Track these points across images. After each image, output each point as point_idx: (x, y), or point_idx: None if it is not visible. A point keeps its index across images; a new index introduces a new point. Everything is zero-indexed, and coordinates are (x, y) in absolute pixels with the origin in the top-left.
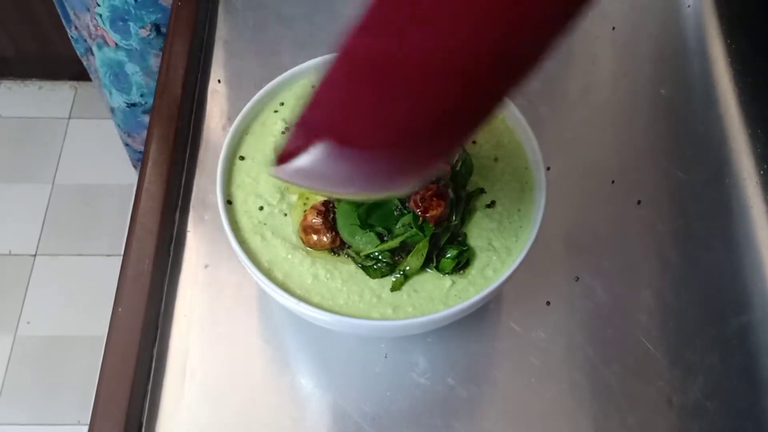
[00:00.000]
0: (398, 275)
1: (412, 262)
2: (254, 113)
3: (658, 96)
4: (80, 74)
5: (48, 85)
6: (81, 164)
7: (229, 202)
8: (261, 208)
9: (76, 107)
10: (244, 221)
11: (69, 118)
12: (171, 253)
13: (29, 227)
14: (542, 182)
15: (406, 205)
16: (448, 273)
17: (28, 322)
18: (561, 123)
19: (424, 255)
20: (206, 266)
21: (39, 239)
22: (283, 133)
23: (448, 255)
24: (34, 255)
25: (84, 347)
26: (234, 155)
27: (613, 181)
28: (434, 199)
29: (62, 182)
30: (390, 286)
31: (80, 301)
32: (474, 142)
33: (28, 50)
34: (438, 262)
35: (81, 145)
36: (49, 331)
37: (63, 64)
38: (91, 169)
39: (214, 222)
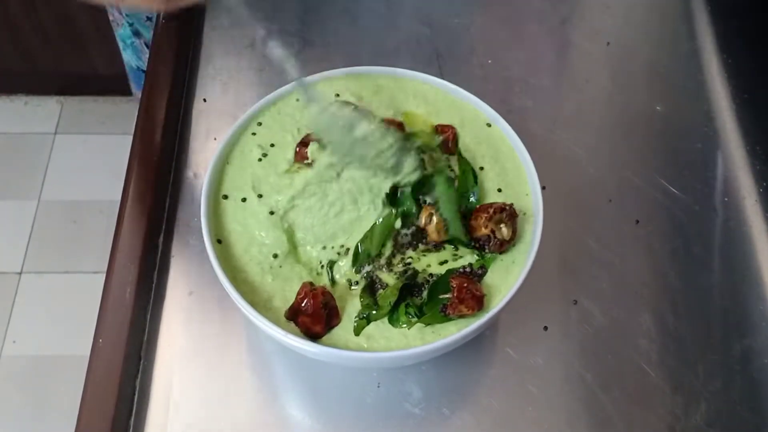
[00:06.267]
0: (362, 318)
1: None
2: (234, 140)
3: (654, 113)
4: (66, 88)
5: (34, 100)
6: (67, 180)
7: (219, 241)
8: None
9: (63, 122)
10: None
11: (55, 133)
12: (154, 280)
13: (15, 244)
14: (539, 212)
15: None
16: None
17: (14, 341)
18: (556, 141)
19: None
20: (191, 293)
21: (25, 257)
22: (259, 160)
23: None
24: (20, 273)
25: (71, 366)
26: (217, 193)
27: (610, 200)
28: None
29: (48, 198)
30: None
31: (67, 320)
32: (482, 168)
33: (14, 65)
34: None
35: (67, 160)
36: (36, 350)
37: (49, 79)
38: (78, 184)
39: (199, 247)
